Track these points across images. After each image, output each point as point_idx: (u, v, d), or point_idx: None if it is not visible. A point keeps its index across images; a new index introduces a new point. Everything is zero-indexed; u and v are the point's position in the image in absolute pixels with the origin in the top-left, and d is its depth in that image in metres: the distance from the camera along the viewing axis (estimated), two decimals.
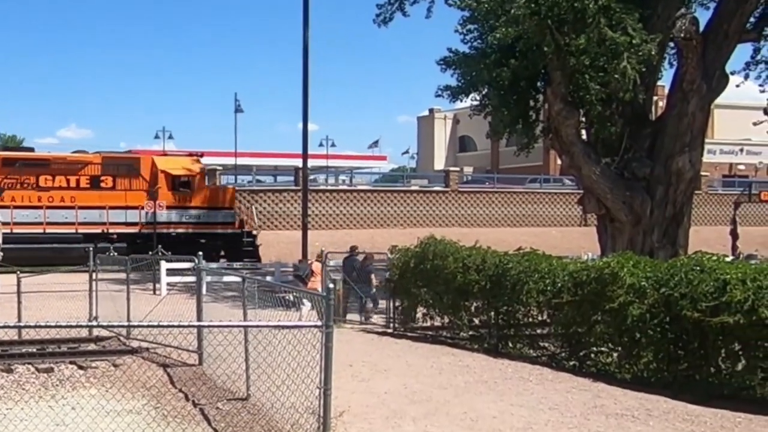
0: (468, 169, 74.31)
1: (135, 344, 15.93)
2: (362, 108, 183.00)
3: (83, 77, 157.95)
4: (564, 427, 10.56)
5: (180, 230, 38.48)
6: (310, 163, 37.07)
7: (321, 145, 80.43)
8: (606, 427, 10.58)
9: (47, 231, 36.28)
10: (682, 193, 24.55)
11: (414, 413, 11.02)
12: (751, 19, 25.32)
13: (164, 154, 42.82)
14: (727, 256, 24.14)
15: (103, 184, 37.55)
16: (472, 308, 17.45)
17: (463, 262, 17.27)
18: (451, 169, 65.00)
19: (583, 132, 25.46)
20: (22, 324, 16.51)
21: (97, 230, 36.91)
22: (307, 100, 32.99)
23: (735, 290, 12.09)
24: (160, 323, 9.61)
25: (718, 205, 64.54)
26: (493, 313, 16.87)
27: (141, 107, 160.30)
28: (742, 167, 78.38)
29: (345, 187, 59.85)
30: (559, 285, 15.06)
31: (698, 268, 13.02)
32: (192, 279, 20.98)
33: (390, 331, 19.93)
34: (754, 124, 38.89)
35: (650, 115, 26.56)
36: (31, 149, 41.87)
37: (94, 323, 15.75)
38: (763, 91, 27.62)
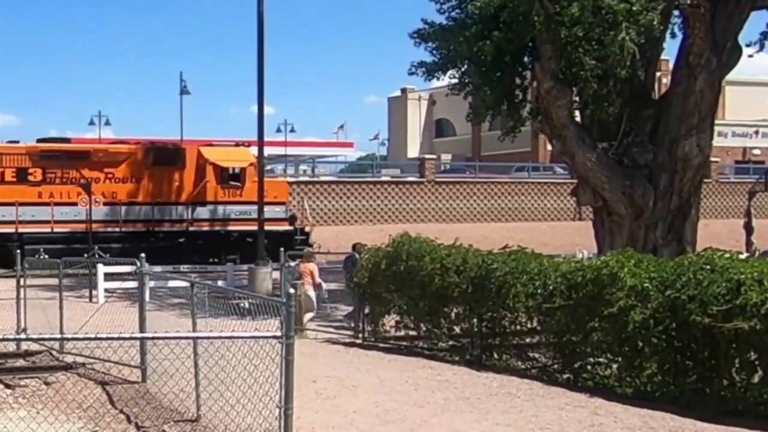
0: (446, 157, 74.63)
1: (69, 359, 15.85)
2: (325, 88, 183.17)
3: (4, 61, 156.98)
4: None
5: (230, 228, 38.85)
6: (267, 151, 36.91)
7: (279, 130, 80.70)
8: None
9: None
10: (689, 182, 24.67)
11: None
12: None
13: (210, 144, 42.89)
14: (741, 253, 24.29)
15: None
16: (452, 315, 17.51)
17: (441, 262, 17.32)
18: (427, 156, 65.04)
19: (577, 113, 25.56)
20: None
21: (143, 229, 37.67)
22: (262, 79, 32.74)
23: (750, 292, 12.20)
24: (98, 335, 9.55)
25: (731, 196, 64.91)
26: (475, 321, 16.95)
27: (74, 92, 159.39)
28: (757, 152, 78.09)
29: (306, 179, 59.94)
30: (551, 288, 15.12)
31: (708, 267, 13.14)
32: (133, 284, 20.94)
33: (359, 341, 19.94)
34: None
35: (652, 94, 26.72)
36: (68, 140, 42.47)
37: (23, 336, 15.62)
38: None
